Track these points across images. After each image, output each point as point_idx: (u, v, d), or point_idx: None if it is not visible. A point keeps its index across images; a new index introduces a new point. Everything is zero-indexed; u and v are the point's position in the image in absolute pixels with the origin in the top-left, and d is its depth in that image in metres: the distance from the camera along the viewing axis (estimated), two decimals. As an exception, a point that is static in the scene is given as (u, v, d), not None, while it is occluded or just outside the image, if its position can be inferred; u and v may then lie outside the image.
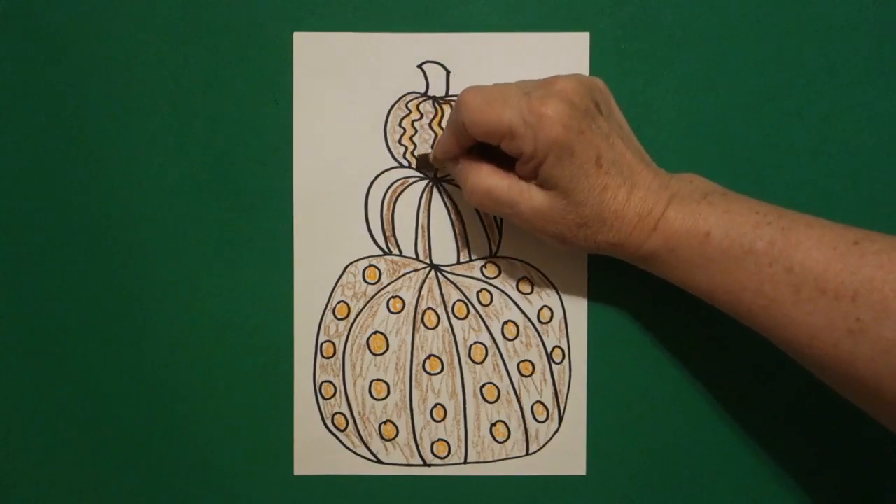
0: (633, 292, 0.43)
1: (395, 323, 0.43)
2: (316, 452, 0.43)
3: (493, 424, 0.43)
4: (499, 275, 0.43)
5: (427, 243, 0.43)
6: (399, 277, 0.43)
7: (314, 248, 0.43)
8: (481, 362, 0.43)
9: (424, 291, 0.43)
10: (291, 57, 0.42)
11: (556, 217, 0.37)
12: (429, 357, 0.43)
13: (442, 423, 0.43)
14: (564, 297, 0.43)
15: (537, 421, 0.43)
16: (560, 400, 0.43)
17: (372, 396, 0.43)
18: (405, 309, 0.43)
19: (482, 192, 0.38)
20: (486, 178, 0.38)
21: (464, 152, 0.39)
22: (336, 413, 0.43)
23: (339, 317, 0.43)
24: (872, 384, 0.32)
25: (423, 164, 0.43)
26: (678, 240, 0.36)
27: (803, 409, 0.43)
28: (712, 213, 0.35)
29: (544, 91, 0.35)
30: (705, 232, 0.35)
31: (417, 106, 0.43)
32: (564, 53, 0.42)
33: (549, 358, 0.43)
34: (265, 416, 0.43)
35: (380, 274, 0.43)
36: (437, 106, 0.43)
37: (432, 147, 0.43)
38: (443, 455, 0.43)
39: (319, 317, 0.43)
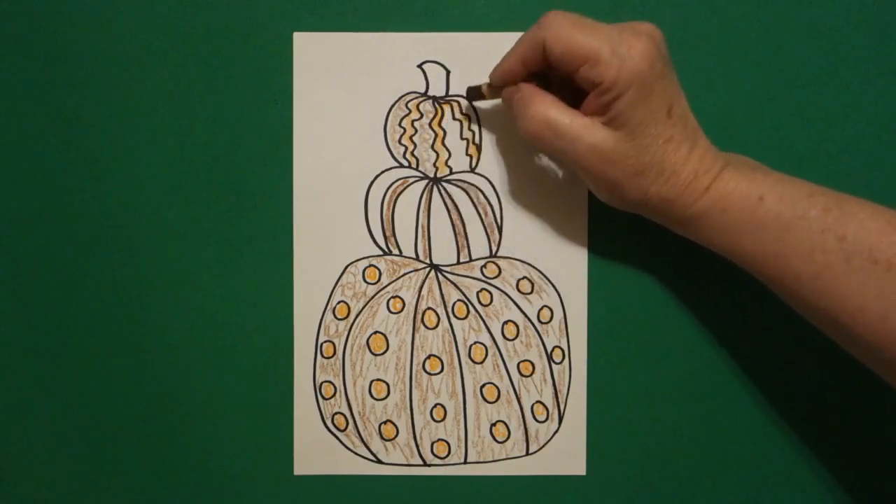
0: (634, 292, 0.43)
1: (395, 323, 0.43)
2: (316, 452, 0.43)
3: (493, 424, 0.43)
4: (499, 275, 0.43)
5: (427, 243, 0.43)
6: (399, 277, 0.43)
7: (314, 248, 0.43)
8: (481, 362, 0.43)
9: (424, 291, 0.43)
10: (291, 57, 0.42)
11: (616, 159, 0.36)
12: (429, 357, 0.43)
13: (442, 423, 0.43)
14: (564, 297, 0.43)
15: (537, 421, 0.43)
16: (560, 400, 0.43)
17: (372, 396, 0.43)
18: (405, 309, 0.43)
19: (542, 121, 0.36)
20: (550, 108, 0.36)
21: (524, 79, 0.38)
22: (336, 413, 0.43)
23: (339, 317, 0.43)
24: None
25: (474, 96, 0.42)
26: (731, 201, 0.36)
27: (804, 408, 0.43)
28: (766, 179, 0.36)
29: (634, 29, 0.35)
30: (759, 195, 0.35)
31: (417, 106, 0.43)
32: (564, 53, 0.42)
33: (549, 358, 0.43)
34: (265, 416, 0.43)
35: (380, 274, 0.43)
36: (437, 106, 0.43)
37: (432, 147, 0.43)
38: (443, 455, 0.43)
39: (319, 317, 0.43)
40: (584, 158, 0.36)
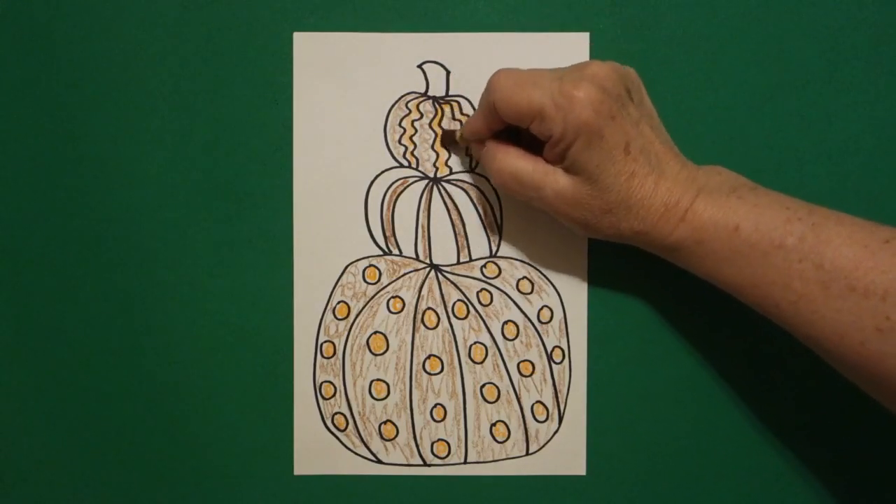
0: (634, 292, 0.43)
1: (395, 323, 0.43)
2: (316, 452, 0.43)
3: (493, 424, 0.43)
4: (499, 275, 0.43)
5: (427, 243, 0.43)
6: (399, 277, 0.43)
7: (314, 248, 0.43)
8: (481, 362, 0.43)
9: (424, 291, 0.43)
10: (291, 57, 0.42)
11: (581, 202, 0.37)
12: (429, 357, 0.43)
13: (442, 423, 0.43)
14: (564, 297, 0.43)
15: (537, 421, 0.43)
16: (560, 400, 0.43)
17: (372, 396, 0.43)
18: (405, 309, 0.43)
19: (508, 175, 0.38)
20: (514, 161, 0.38)
21: (492, 134, 0.39)
22: (336, 413, 0.43)
23: (339, 317, 0.43)
24: None
25: (448, 141, 0.42)
26: (706, 232, 0.36)
27: (804, 408, 0.43)
28: (742, 206, 0.35)
29: (577, 75, 0.35)
30: (734, 225, 0.35)
31: (417, 106, 0.43)
32: (564, 53, 0.42)
33: (549, 358, 0.43)
34: (265, 416, 0.43)
35: (380, 274, 0.43)
36: (437, 106, 0.43)
37: (432, 147, 0.43)
38: (443, 455, 0.43)
39: (319, 317, 0.43)
40: (552, 204, 0.38)
